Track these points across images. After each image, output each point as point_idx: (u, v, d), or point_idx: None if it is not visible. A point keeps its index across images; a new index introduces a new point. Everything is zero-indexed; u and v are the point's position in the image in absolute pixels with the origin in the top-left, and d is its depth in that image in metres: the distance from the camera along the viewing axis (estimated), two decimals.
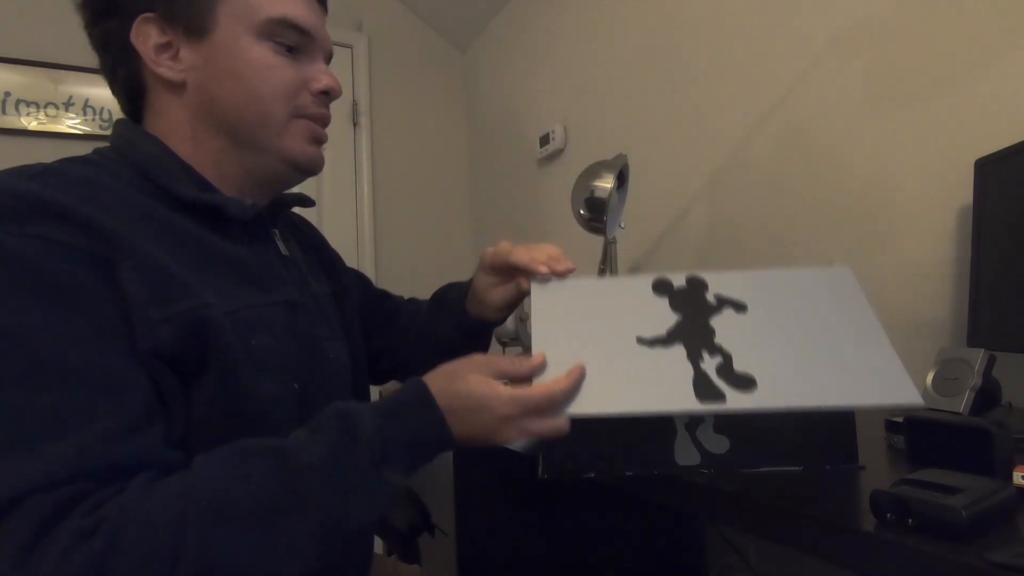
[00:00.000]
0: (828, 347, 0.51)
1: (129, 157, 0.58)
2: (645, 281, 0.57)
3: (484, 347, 0.81)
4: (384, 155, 2.55)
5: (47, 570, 0.38)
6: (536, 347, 0.54)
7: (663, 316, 0.55)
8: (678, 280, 0.57)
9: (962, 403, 0.71)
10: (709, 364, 0.52)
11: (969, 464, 0.48)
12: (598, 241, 1.49)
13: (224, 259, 0.57)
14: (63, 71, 2.04)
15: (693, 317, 0.54)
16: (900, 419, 0.59)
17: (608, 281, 0.59)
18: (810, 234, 1.25)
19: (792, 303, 0.54)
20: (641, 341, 0.54)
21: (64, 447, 0.42)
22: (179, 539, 0.41)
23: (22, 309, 0.43)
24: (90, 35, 0.64)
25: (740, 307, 0.55)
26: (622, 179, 1.43)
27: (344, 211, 2.39)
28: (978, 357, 0.72)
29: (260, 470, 0.46)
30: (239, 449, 0.48)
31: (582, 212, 1.38)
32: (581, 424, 0.53)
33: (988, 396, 0.72)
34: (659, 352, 0.53)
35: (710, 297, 0.55)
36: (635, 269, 1.73)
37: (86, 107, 2.08)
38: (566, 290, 0.58)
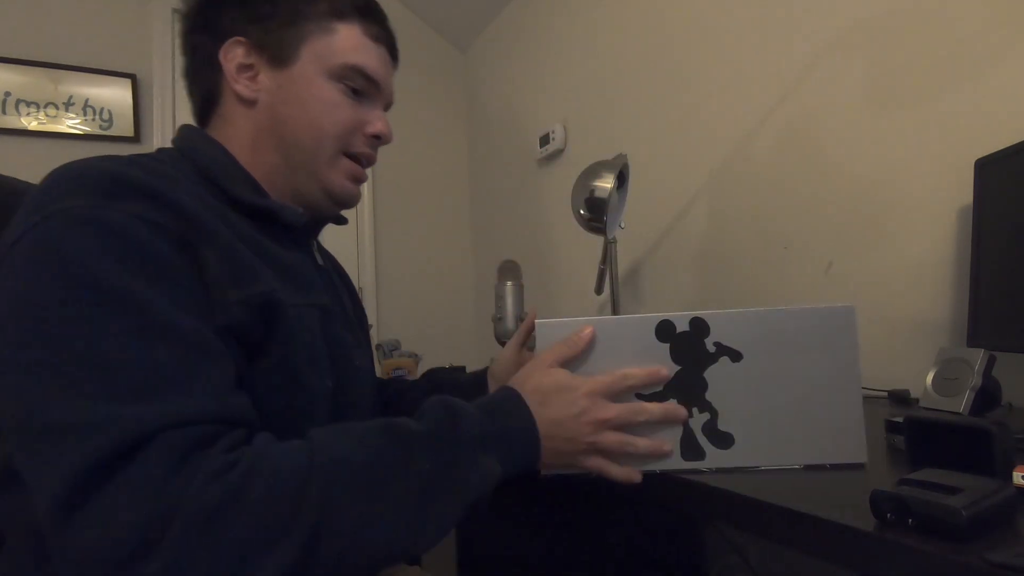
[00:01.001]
0: (803, 404, 0.56)
1: (193, 159, 0.62)
2: (649, 324, 0.58)
3: None
4: (384, 155, 2.54)
5: (191, 494, 0.41)
6: None
7: (664, 366, 0.58)
8: (681, 324, 0.58)
9: (962, 403, 0.71)
10: (697, 420, 0.57)
11: (969, 464, 0.48)
12: (598, 241, 1.49)
13: (274, 258, 0.60)
14: (63, 71, 2.04)
15: (691, 369, 0.57)
16: (900, 419, 0.59)
17: (613, 321, 0.59)
18: (810, 234, 1.25)
19: (785, 350, 0.57)
20: (639, 397, 0.58)
21: (183, 395, 0.45)
22: (303, 488, 0.44)
23: (131, 274, 0.46)
24: (183, 39, 0.71)
25: (736, 356, 0.57)
26: (622, 179, 1.43)
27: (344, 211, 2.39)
28: (978, 357, 0.72)
29: (374, 436, 0.49)
30: (349, 424, 0.51)
31: (582, 212, 1.38)
32: None
33: (988, 396, 0.72)
34: None
35: (710, 345, 0.57)
36: (635, 269, 1.73)
37: (86, 107, 2.08)
38: (570, 332, 0.59)
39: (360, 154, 0.70)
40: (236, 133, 0.66)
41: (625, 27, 1.78)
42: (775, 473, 0.56)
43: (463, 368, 1.68)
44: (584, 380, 0.56)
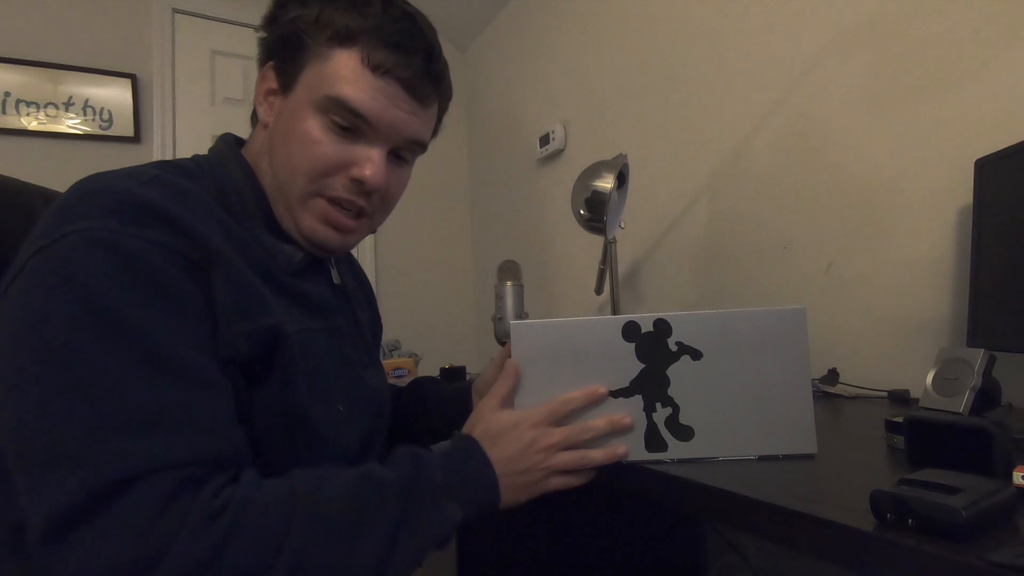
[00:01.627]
0: (758, 399, 0.61)
1: (215, 173, 0.62)
2: (616, 324, 0.62)
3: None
4: None
5: (179, 544, 0.41)
6: (517, 390, 0.63)
7: (629, 364, 0.62)
8: (646, 324, 0.62)
9: (962, 403, 0.71)
10: (660, 415, 0.62)
11: (969, 464, 0.48)
12: (598, 241, 1.49)
13: (281, 283, 0.60)
14: (63, 71, 2.04)
15: (654, 366, 0.62)
16: (900, 419, 0.59)
17: (583, 323, 0.63)
18: (810, 234, 1.25)
19: (742, 349, 0.61)
20: (609, 393, 0.62)
21: (175, 434, 0.45)
22: (285, 530, 0.45)
23: (139, 303, 0.46)
24: None
25: (696, 355, 0.61)
26: (622, 179, 1.43)
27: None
28: (978, 357, 0.72)
29: (350, 480, 0.51)
30: (327, 468, 0.52)
31: (582, 212, 1.38)
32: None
33: (988, 396, 0.72)
34: (620, 403, 0.62)
35: (672, 344, 0.61)
36: (635, 269, 1.73)
37: (86, 107, 2.08)
38: (544, 333, 0.63)
39: (335, 198, 0.62)
40: (258, 154, 0.65)
41: (625, 27, 1.78)
42: (736, 464, 0.60)
43: (463, 368, 1.68)
44: (527, 414, 0.60)
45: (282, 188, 0.62)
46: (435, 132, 0.71)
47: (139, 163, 0.60)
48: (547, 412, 0.60)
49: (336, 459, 0.60)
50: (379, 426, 0.70)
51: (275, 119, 0.63)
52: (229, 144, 0.66)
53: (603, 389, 0.61)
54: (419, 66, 0.61)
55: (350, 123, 0.60)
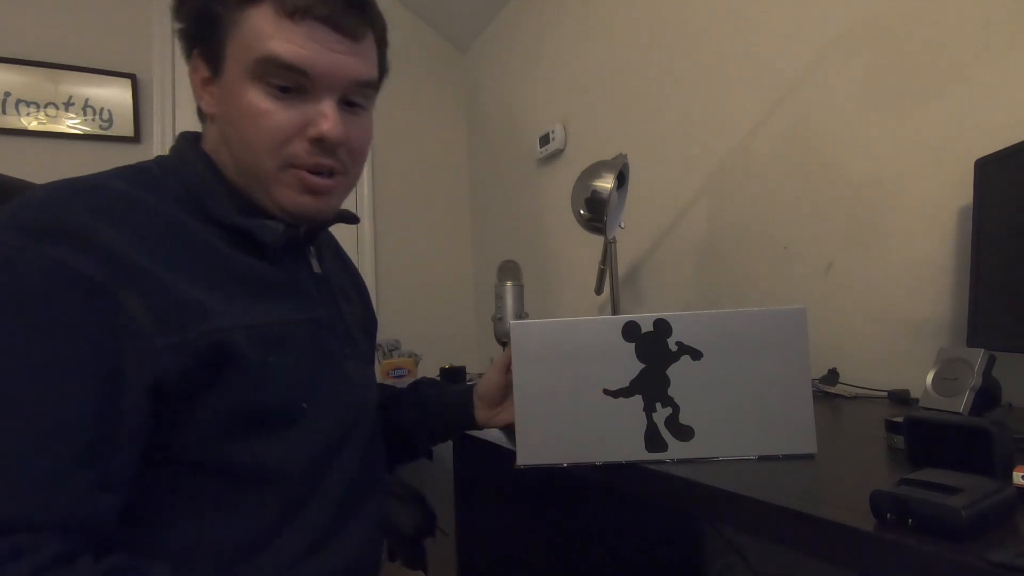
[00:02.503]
0: (758, 399, 0.60)
1: (178, 171, 0.60)
2: (616, 324, 0.62)
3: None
4: (384, 155, 2.55)
5: None
6: (517, 390, 0.63)
7: (629, 364, 0.62)
8: (646, 324, 0.62)
9: (962, 403, 0.71)
10: (660, 415, 0.61)
11: (969, 464, 0.48)
12: (598, 241, 1.49)
13: (252, 277, 0.58)
14: (63, 71, 2.04)
15: (654, 366, 0.61)
16: (900, 419, 0.59)
17: (583, 323, 0.63)
18: (810, 234, 1.25)
19: (742, 349, 0.61)
20: (607, 392, 0.62)
21: (5, 494, 0.42)
22: None
23: (23, 333, 0.45)
24: None
25: (696, 355, 0.61)
26: (622, 179, 1.43)
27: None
28: (978, 357, 0.72)
29: None
30: None
31: (582, 212, 1.38)
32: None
33: (988, 396, 0.72)
34: (620, 403, 0.62)
35: (672, 344, 0.61)
36: (635, 269, 1.73)
37: (86, 107, 2.08)
38: (544, 333, 0.63)
39: (304, 165, 0.59)
40: (215, 148, 0.62)
41: (625, 27, 1.78)
42: (736, 464, 0.60)
43: (463, 368, 1.68)
44: None
45: (250, 171, 0.59)
46: (383, 70, 0.66)
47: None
48: None
49: (305, 454, 0.59)
50: (359, 419, 0.68)
51: (218, 107, 0.60)
52: (188, 140, 0.64)
53: None
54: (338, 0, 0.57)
55: (291, 82, 0.56)
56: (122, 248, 0.49)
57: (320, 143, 0.58)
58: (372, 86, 0.63)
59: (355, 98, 0.61)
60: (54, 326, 0.46)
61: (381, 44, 0.65)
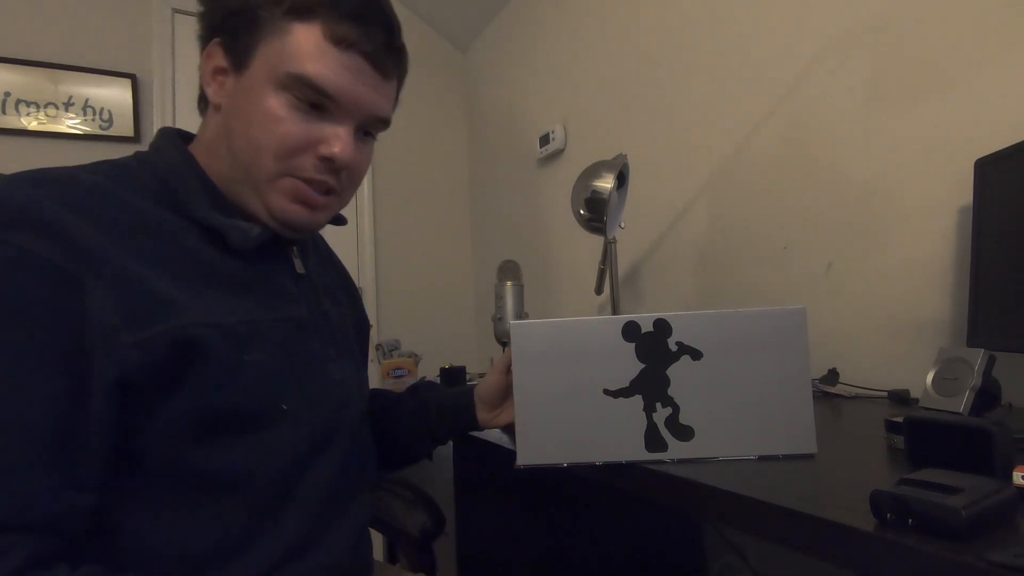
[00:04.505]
0: (758, 399, 0.61)
1: (154, 165, 0.59)
2: (616, 324, 0.62)
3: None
4: (384, 155, 2.55)
5: None
6: (517, 390, 0.63)
7: (629, 364, 0.62)
8: (646, 324, 0.62)
9: (962, 403, 0.71)
10: (660, 415, 0.62)
11: (969, 464, 0.48)
12: (598, 241, 1.49)
13: (226, 274, 0.58)
14: (63, 71, 2.04)
15: (654, 367, 0.62)
16: (900, 419, 0.59)
17: (583, 323, 0.63)
18: (810, 234, 1.25)
19: (742, 349, 0.61)
20: (607, 392, 0.62)
21: None
22: None
23: None
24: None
25: (696, 355, 0.61)
26: (622, 179, 1.43)
27: (343, 211, 2.38)
28: (978, 357, 0.72)
29: None
30: None
31: (582, 212, 1.38)
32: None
33: (988, 396, 0.72)
34: (620, 403, 0.62)
35: (672, 344, 0.61)
36: (635, 269, 1.73)
37: (86, 107, 2.08)
38: (544, 333, 0.63)
39: (307, 178, 0.60)
40: (210, 139, 0.62)
41: (625, 27, 1.78)
42: (736, 464, 0.60)
43: (463, 369, 1.68)
44: None
45: (247, 170, 0.59)
46: (394, 107, 0.69)
47: None
48: None
49: (280, 458, 0.58)
50: (342, 420, 0.67)
51: (229, 100, 0.60)
52: (167, 135, 0.63)
53: None
54: (382, 39, 0.60)
55: (315, 100, 0.58)
56: (90, 239, 0.48)
57: (329, 162, 0.60)
58: (386, 122, 0.66)
59: (369, 129, 0.64)
60: (19, 316, 0.45)
61: (400, 85, 0.68)
